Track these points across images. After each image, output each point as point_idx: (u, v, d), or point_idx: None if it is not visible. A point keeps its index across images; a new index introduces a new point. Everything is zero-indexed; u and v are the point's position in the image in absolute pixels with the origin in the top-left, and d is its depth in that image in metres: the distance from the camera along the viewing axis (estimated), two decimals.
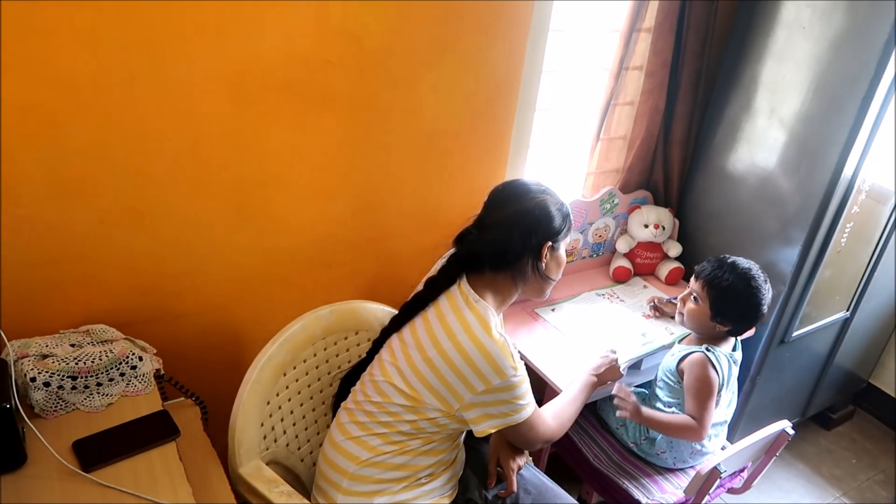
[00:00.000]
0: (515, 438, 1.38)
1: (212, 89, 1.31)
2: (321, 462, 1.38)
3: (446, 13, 1.49)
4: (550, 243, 1.29)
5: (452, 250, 1.33)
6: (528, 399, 1.28)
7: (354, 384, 1.37)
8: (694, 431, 1.62)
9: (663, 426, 1.66)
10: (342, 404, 1.38)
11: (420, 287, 1.34)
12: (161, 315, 1.49)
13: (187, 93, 1.29)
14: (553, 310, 1.94)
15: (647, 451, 1.76)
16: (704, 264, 1.69)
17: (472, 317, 1.23)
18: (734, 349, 1.71)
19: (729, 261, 1.66)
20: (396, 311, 1.36)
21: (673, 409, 1.71)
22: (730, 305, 1.63)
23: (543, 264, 1.31)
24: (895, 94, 1.65)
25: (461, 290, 1.27)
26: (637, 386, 1.87)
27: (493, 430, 1.25)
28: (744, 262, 1.66)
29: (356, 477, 1.29)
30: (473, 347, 1.20)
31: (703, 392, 1.62)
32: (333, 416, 1.41)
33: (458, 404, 1.23)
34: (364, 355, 1.41)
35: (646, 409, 1.65)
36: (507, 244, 1.27)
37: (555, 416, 1.40)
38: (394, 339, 1.32)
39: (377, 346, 1.37)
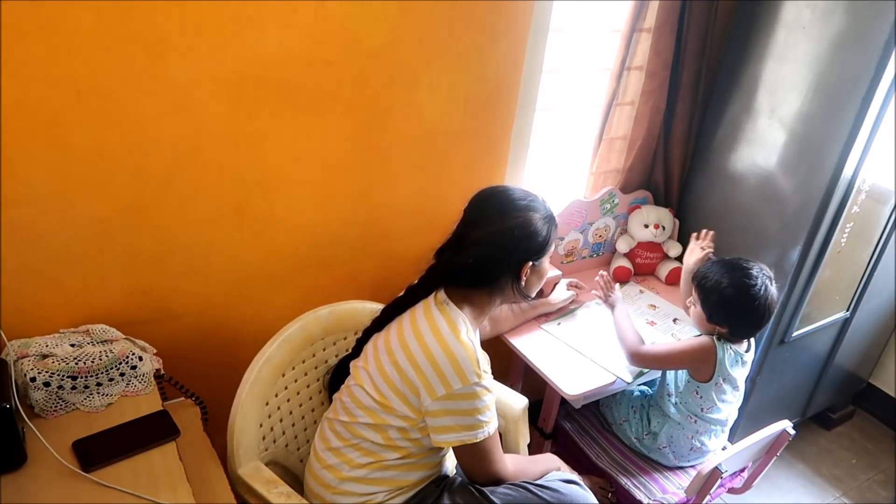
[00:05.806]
0: (467, 462, 1.29)
1: (212, 89, 1.31)
2: (307, 474, 1.37)
3: (446, 13, 1.49)
4: (531, 263, 1.26)
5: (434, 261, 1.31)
6: (490, 417, 1.23)
7: (339, 386, 1.36)
8: (633, 349, 1.64)
9: (620, 327, 1.70)
10: (325, 414, 1.37)
11: (402, 293, 1.33)
12: (161, 315, 1.49)
13: (187, 93, 1.29)
14: (559, 324, 1.90)
15: (648, 446, 1.76)
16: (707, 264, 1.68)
17: (442, 320, 1.21)
18: (747, 350, 1.68)
19: (727, 260, 1.62)
20: None
21: (676, 399, 1.70)
22: (716, 306, 1.59)
23: (523, 283, 1.28)
24: (895, 94, 1.65)
25: (437, 298, 1.27)
26: (642, 384, 1.87)
27: (447, 445, 1.21)
28: (743, 262, 1.60)
29: (339, 491, 1.30)
30: (438, 348, 1.18)
31: (682, 346, 1.64)
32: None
33: (421, 408, 1.21)
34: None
35: (620, 310, 1.68)
36: (484, 266, 1.24)
37: (514, 461, 1.33)
38: (370, 345, 1.31)
39: (360, 344, 1.36)
